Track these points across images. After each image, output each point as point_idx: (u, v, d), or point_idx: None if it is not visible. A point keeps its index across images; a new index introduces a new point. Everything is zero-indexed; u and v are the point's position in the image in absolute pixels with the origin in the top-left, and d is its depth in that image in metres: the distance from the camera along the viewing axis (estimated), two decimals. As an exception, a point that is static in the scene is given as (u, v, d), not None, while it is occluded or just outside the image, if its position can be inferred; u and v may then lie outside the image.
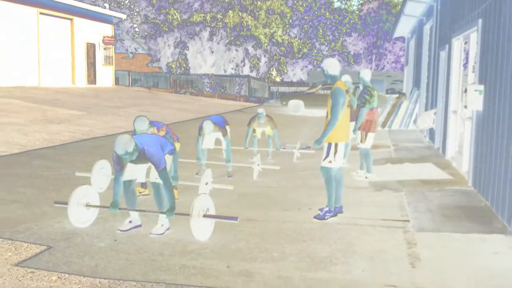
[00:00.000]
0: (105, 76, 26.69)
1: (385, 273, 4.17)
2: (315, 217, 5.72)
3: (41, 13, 21.74)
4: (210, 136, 8.13)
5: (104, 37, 26.29)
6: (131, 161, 4.88)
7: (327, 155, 5.72)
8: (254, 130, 9.56)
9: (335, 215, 5.78)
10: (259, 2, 38.10)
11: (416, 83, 16.81)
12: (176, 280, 3.90)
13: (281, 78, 38.46)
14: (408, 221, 5.62)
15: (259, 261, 4.39)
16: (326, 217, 5.70)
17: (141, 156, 4.84)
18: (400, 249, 4.75)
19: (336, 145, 5.70)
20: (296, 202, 6.50)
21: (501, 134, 5.96)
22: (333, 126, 5.62)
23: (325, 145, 5.73)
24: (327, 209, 5.79)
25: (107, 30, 26.85)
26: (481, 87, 7.02)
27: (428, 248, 4.71)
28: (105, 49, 26.57)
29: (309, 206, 6.25)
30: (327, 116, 5.73)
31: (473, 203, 6.39)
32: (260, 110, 9.48)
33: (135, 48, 40.93)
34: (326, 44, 45.22)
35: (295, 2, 41.69)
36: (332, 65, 5.76)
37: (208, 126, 7.75)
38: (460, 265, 4.37)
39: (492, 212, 5.95)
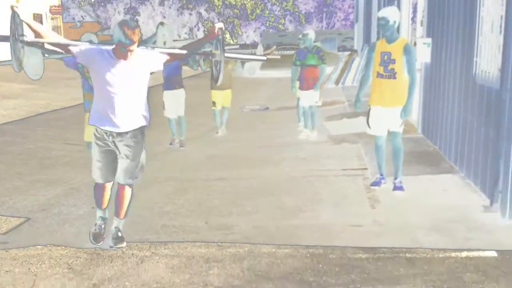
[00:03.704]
0: (53, 47, 25.87)
1: (349, 215, 4.62)
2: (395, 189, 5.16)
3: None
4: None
5: (51, 6, 25.36)
6: None
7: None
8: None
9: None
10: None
11: (367, 40, 17.29)
12: (159, 238, 4.20)
13: (235, 40, 38.27)
14: (366, 169, 6.09)
15: (235, 215, 4.74)
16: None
17: None
18: (361, 194, 5.22)
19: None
20: (263, 160, 6.85)
21: (447, 84, 6.46)
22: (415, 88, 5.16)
23: (398, 108, 5.06)
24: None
25: (53, -1, 25.89)
26: (429, 40, 7.48)
27: (385, 192, 5.19)
28: (52, 19, 25.67)
29: (275, 163, 6.62)
30: (393, 77, 5.01)
31: (422, 148, 6.95)
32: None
33: (82, 16, 39.51)
34: (277, 4, 45.06)
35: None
36: (396, 13, 5.15)
37: None
38: (414, 203, 4.87)
39: (440, 155, 6.51)
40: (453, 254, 3.75)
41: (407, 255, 3.78)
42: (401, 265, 3.63)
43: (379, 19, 5.14)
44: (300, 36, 8.36)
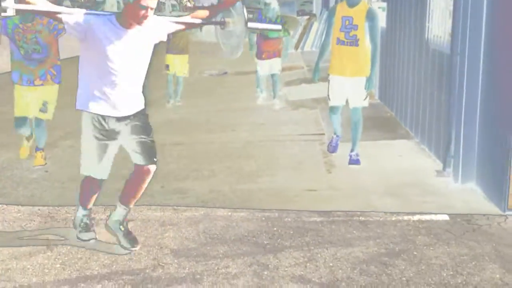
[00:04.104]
0: None
1: (305, 180, 4.64)
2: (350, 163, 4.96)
3: None
4: None
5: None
6: None
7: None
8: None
9: None
10: None
11: (325, 4, 17.19)
12: (114, 202, 4.08)
13: (193, 3, 37.32)
14: (323, 134, 6.12)
15: (191, 179, 4.68)
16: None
17: None
18: (318, 159, 5.25)
19: None
20: (220, 125, 6.76)
21: (402, 50, 6.50)
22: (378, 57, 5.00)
23: (360, 79, 4.82)
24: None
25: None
26: (384, 4, 7.47)
27: (341, 156, 5.21)
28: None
29: (233, 128, 6.55)
30: (355, 44, 4.71)
31: (380, 114, 7.03)
32: None
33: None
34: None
35: None
36: None
37: None
38: (370, 167, 4.93)
39: (397, 121, 6.61)
40: (405, 218, 3.82)
41: (361, 218, 3.84)
42: (355, 228, 3.68)
43: None
44: (262, 5, 8.02)
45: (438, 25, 5.12)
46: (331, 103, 5.06)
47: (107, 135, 3.21)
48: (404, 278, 3.03)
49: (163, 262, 3.15)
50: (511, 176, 3.74)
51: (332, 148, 5.28)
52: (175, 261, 3.17)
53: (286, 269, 3.13)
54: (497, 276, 3.02)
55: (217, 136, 6.23)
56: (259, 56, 7.88)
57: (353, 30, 4.72)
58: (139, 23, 3.01)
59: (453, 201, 4.10)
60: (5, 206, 3.99)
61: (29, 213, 3.87)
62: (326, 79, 5.20)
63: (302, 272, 3.09)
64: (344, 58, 4.80)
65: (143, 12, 2.95)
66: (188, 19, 3.38)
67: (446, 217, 3.80)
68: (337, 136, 5.28)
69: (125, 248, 3.29)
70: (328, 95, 5.05)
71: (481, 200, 4.09)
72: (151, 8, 2.97)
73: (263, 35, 7.66)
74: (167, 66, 8.01)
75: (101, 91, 3.12)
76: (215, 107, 8.05)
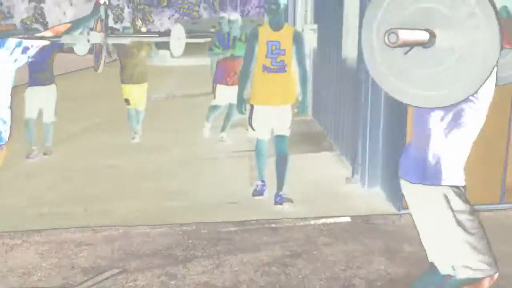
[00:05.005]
0: None
1: (228, 193, 4.89)
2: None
3: None
4: None
5: None
6: None
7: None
8: None
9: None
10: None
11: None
12: (34, 227, 4.20)
13: (147, 28, 37.54)
14: (253, 150, 6.39)
15: (116, 200, 4.82)
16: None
17: None
18: (244, 174, 5.51)
19: None
20: (155, 147, 6.90)
21: (329, 67, 6.91)
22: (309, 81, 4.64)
23: (288, 108, 4.54)
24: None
25: None
26: (315, 26, 7.91)
27: (270, 170, 5.48)
28: None
29: (167, 149, 6.75)
30: (283, 70, 4.35)
31: (311, 129, 7.41)
32: None
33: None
34: (191, -9, 44.67)
35: None
36: None
37: None
38: (297, 178, 5.16)
39: (325, 135, 6.98)
40: (312, 222, 4.12)
41: (272, 225, 4.11)
42: (265, 234, 3.94)
43: (269, 2, 4.31)
44: (223, 21, 7.14)
45: (351, 44, 5.52)
46: (256, 134, 4.62)
47: None
48: (300, 276, 3.30)
49: (72, 281, 3.30)
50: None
51: (258, 193, 4.73)
52: (84, 278, 3.32)
53: (193, 277, 3.34)
54: (382, 267, 3.33)
55: (149, 157, 6.40)
56: (222, 80, 6.71)
57: (280, 55, 4.34)
58: None
59: (357, 204, 4.44)
60: None
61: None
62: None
63: (207, 279, 3.32)
64: (271, 86, 4.39)
65: None
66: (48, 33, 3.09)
67: (348, 219, 4.11)
68: (263, 182, 4.75)
69: None
70: (250, 126, 4.60)
71: (383, 202, 4.44)
72: None
73: (230, 55, 6.63)
74: (127, 101, 7.02)
75: None
76: (154, 130, 8.22)
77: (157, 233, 4.02)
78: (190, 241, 3.88)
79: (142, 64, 6.99)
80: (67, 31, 3.15)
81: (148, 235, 3.99)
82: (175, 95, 12.30)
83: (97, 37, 3.22)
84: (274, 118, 4.51)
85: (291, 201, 4.45)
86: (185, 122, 8.80)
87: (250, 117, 4.57)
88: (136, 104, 7.06)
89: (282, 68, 4.37)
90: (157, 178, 5.49)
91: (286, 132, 4.57)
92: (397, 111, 4.32)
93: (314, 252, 3.60)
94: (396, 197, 4.17)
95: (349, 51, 5.60)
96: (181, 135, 7.68)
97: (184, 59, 20.39)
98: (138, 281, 3.30)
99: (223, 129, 6.95)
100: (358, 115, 4.83)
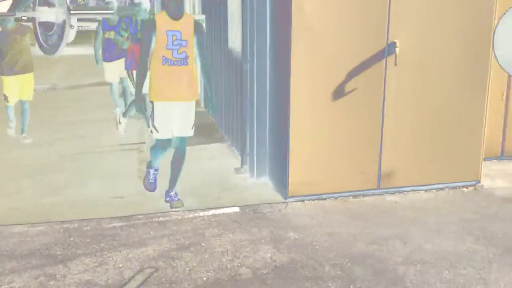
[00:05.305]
0: None
1: (114, 188, 4.72)
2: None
3: None
4: None
5: None
6: None
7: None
8: None
9: None
10: None
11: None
12: None
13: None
14: (144, 142, 6.23)
15: (-9, 198, 4.46)
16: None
17: None
18: (132, 168, 5.34)
19: None
20: (36, 141, 6.46)
21: (218, 60, 6.92)
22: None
23: (192, 104, 4.26)
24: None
25: None
26: (203, 17, 7.87)
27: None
28: None
29: (49, 143, 6.34)
30: (185, 63, 4.04)
31: (202, 121, 7.35)
32: None
33: None
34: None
35: None
36: None
37: None
38: (187, 170, 4.91)
39: (216, 126, 7.00)
40: (201, 214, 4.11)
41: (160, 219, 4.03)
42: (152, 229, 3.86)
43: None
44: (131, 6, 6.70)
45: (236, 36, 5.57)
46: (160, 135, 4.18)
47: None
48: (187, 269, 3.28)
49: None
50: (290, 169, 4.23)
51: (151, 184, 4.46)
52: (-51, 284, 3.03)
53: (74, 276, 3.18)
54: (268, 255, 3.42)
55: (30, 151, 5.98)
56: (128, 65, 6.15)
57: (181, 46, 3.99)
58: None
59: (246, 194, 4.51)
60: None
61: None
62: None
63: (90, 277, 3.17)
64: (173, 80, 4.04)
65: None
66: None
67: (237, 209, 4.17)
68: (155, 169, 4.46)
69: None
70: (152, 127, 4.18)
71: (271, 192, 4.56)
72: None
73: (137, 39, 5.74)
74: (6, 97, 6.35)
75: None
76: (36, 123, 7.70)
77: (36, 232, 3.77)
78: (71, 239, 3.69)
79: (27, 50, 6.36)
80: None
81: (25, 235, 3.72)
82: (60, 86, 11.59)
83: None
84: (177, 115, 4.14)
85: (181, 205, 4.25)
86: (71, 114, 8.34)
87: (152, 117, 4.16)
88: (20, 97, 6.43)
89: (184, 60, 4.02)
90: (38, 173, 5.14)
91: (190, 132, 4.27)
92: (282, 103, 4.45)
93: (202, 244, 3.59)
94: (283, 186, 4.30)
95: (234, 42, 5.66)
96: (61, 127, 7.26)
97: (75, 48, 19.41)
98: (13, 283, 3.07)
99: (124, 115, 6.65)
100: (245, 106, 4.90)
